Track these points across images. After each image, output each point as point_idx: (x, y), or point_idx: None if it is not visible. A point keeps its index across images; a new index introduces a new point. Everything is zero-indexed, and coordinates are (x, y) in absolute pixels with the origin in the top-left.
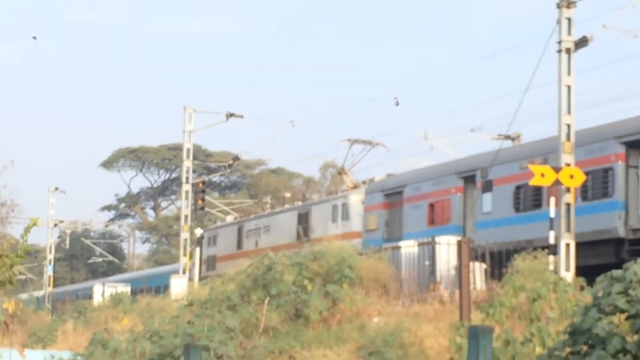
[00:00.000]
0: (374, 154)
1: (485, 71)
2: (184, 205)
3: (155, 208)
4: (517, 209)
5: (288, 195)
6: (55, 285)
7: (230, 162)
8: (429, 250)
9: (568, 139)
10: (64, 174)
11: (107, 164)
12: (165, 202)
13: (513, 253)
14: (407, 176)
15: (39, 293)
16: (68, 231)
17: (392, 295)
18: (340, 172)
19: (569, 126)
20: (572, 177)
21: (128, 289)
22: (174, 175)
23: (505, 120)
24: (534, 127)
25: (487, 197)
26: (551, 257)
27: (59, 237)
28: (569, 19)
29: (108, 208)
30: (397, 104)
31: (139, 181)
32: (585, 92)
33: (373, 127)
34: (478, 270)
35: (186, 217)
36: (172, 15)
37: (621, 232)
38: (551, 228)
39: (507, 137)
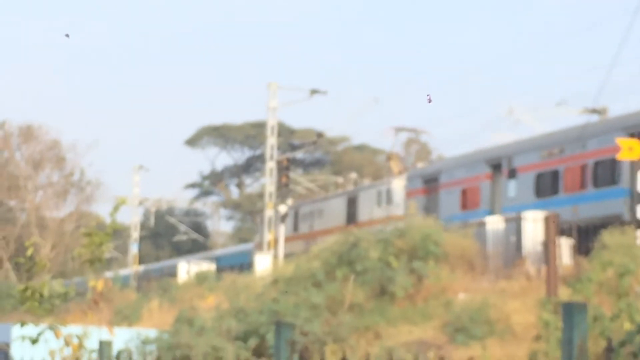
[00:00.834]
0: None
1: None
2: (268, 182)
3: (239, 185)
4: (538, 195)
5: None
6: (140, 263)
7: (314, 139)
8: (515, 226)
9: None
10: (149, 153)
11: (191, 142)
12: (249, 180)
13: (600, 228)
14: (442, 164)
15: (124, 271)
16: (153, 209)
17: (477, 272)
18: (389, 157)
19: None
20: None
21: (213, 266)
22: (257, 152)
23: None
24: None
25: (512, 184)
26: (639, 232)
27: (144, 215)
28: None
29: (192, 186)
30: (430, 100)
31: (222, 159)
32: None
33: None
34: (565, 245)
35: (270, 194)
36: None
37: None
38: (638, 202)
39: (594, 111)
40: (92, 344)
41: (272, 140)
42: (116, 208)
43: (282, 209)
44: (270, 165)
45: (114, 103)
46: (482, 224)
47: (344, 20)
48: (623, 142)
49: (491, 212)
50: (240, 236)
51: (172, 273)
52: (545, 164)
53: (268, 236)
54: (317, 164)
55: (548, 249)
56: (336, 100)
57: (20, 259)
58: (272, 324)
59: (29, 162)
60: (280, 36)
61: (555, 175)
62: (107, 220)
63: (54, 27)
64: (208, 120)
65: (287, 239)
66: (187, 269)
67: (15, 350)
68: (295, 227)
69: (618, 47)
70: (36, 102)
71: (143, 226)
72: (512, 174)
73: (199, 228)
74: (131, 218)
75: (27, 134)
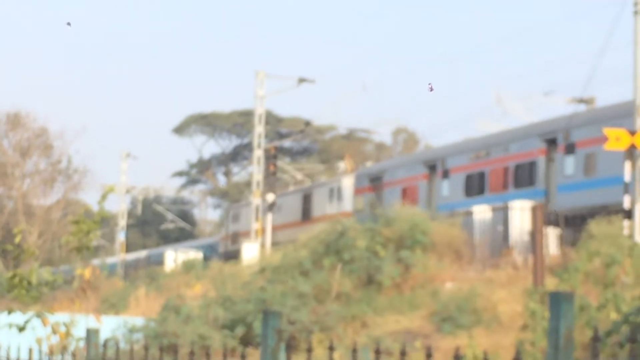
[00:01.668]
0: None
1: (560, 33)
2: (256, 170)
3: (226, 174)
4: (467, 194)
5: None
6: (127, 251)
7: (302, 127)
8: (502, 216)
9: None
10: (136, 140)
11: (179, 130)
12: (237, 168)
13: (587, 218)
14: (386, 164)
15: (111, 259)
16: (140, 197)
17: (465, 261)
18: (343, 157)
19: None
20: None
21: (200, 255)
22: (245, 140)
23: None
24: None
25: (445, 184)
26: (626, 222)
27: (131, 203)
28: None
29: (179, 174)
30: (432, 89)
31: (210, 147)
32: None
33: (445, 88)
34: (552, 235)
35: (258, 182)
36: None
37: None
38: (626, 192)
39: (582, 101)
40: (79, 332)
41: (259, 129)
42: (104, 196)
43: (270, 197)
44: (258, 153)
45: (101, 90)
46: (469, 214)
47: (331, 8)
48: (610, 132)
49: (427, 209)
50: None
51: (160, 261)
52: (473, 165)
53: (255, 225)
54: (305, 152)
55: (535, 239)
56: (324, 88)
57: (7, 247)
58: (259, 312)
59: (16, 149)
60: (268, 24)
61: (481, 176)
62: (95, 208)
63: (43, 14)
64: (196, 108)
65: (248, 233)
66: (174, 257)
67: (2, 338)
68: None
69: (606, 36)
70: (23, 89)
71: (130, 214)
72: (445, 174)
73: (186, 216)
74: (119, 206)
75: (15, 121)
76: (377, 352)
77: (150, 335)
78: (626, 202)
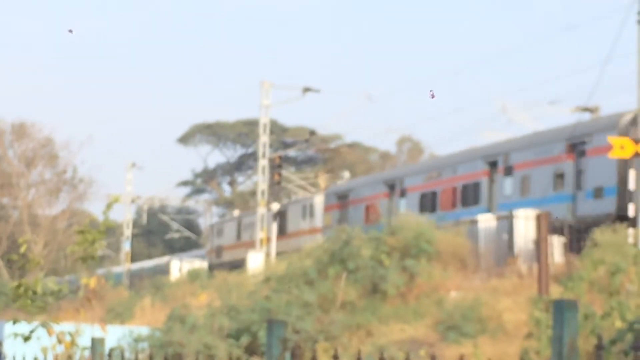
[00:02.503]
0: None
1: (565, 43)
2: (261, 180)
3: (231, 183)
4: (421, 211)
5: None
6: (132, 260)
7: (307, 136)
8: (507, 224)
9: None
10: (141, 151)
11: (184, 140)
12: (242, 177)
13: (592, 227)
14: (351, 183)
15: (116, 269)
16: (145, 207)
17: (469, 270)
18: (316, 175)
19: None
20: None
21: (205, 264)
22: (250, 150)
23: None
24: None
25: (403, 202)
26: (630, 230)
27: (136, 213)
28: None
29: (184, 184)
30: (433, 96)
31: (215, 156)
32: None
33: (450, 100)
34: (556, 244)
35: (263, 192)
36: None
37: None
38: (630, 200)
39: (586, 110)
40: (84, 341)
41: (264, 138)
42: (109, 206)
43: (275, 206)
44: (263, 163)
45: (106, 101)
46: (474, 222)
47: (337, 19)
48: (615, 140)
49: (386, 226)
50: None
51: (165, 271)
52: (427, 185)
53: (260, 234)
54: (310, 161)
55: (539, 247)
56: (329, 99)
57: (13, 256)
58: (264, 321)
59: (21, 159)
60: (274, 34)
61: (434, 195)
62: (100, 218)
63: (48, 23)
64: (201, 118)
65: (230, 247)
66: (179, 266)
67: (8, 347)
68: (239, 236)
69: (611, 45)
70: (29, 99)
71: (135, 224)
72: (403, 193)
73: (191, 226)
74: (124, 216)
75: (20, 131)
76: None
77: (155, 345)
78: (631, 211)
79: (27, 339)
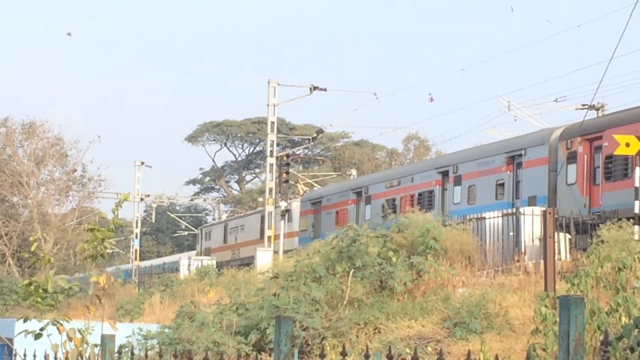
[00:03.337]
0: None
1: (571, 41)
2: (268, 178)
3: (239, 181)
4: (384, 217)
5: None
6: (141, 258)
7: (314, 135)
8: (514, 221)
9: None
10: (150, 149)
11: (192, 138)
12: (250, 176)
13: (598, 224)
14: (323, 190)
15: (125, 266)
16: (154, 205)
17: (476, 267)
18: (296, 181)
19: None
20: None
21: (214, 262)
22: (258, 148)
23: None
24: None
25: (368, 208)
26: (636, 227)
27: (145, 211)
28: None
29: (193, 182)
30: (432, 99)
31: (223, 155)
32: None
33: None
34: (563, 240)
35: (270, 190)
36: None
37: None
38: (636, 198)
39: (592, 107)
40: (94, 338)
41: (272, 137)
42: (119, 204)
43: (283, 204)
44: (271, 161)
45: (116, 100)
46: (481, 219)
47: (344, 17)
48: (620, 137)
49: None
50: None
51: (174, 268)
52: (388, 193)
53: (268, 232)
54: (317, 160)
55: (546, 244)
56: (336, 97)
57: (24, 254)
58: (272, 318)
59: (31, 158)
60: (281, 34)
61: (394, 201)
62: (110, 216)
63: (58, 23)
64: (209, 117)
65: (218, 249)
66: (188, 264)
67: (19, 345)
68: (225, 239)
69: (616, 44)
70: (39, 99)
71: (144, 222)
72: (368, 200)
73: (199, 224)
74: (133, 214)
75: (30, 130)
76: (389, 357)
77: (164, 342)
78: (637, 208)
79: (37, 336)
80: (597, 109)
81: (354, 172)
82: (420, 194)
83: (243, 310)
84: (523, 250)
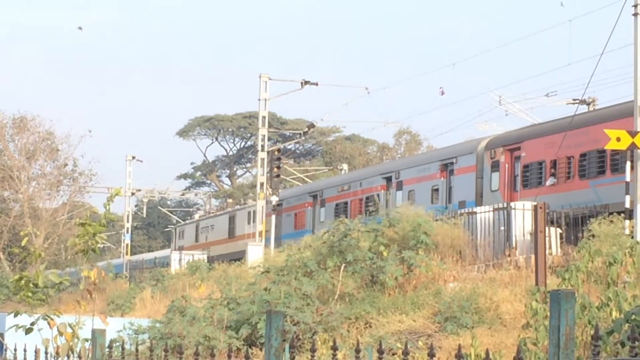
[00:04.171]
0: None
1: (562, 36)
2: (260, 172)
3: (230, 176)
4: (337, 219)
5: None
6: (132, 253)
7: (305, 129)
8: (505, 216)
9: None
10: (141, 143)
11: (183, 133)
12: (241, 170)
13: (589, 218)
14: (284, 193)
15: (116, 261)
16: (145, 200)
17: (467, 261)
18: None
19: None
20: None
21: (205, 256)
22: (249, 143)
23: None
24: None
25: (323, 211)
26: (627, 222)
27: (136, 205)
28: None
29: (184, 176)
30: (443, 93)
31: (214, 149)
32: None
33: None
34: (554, 235)
35: (262, 184)
36: None
37: None
38: (627, 192)
39: (583, 102)
40: (85, 333)
41: (263, 131)
42: (110, 199)
43: (274, 199)
44: (262, 155)
45: (106, 94)
46: (472, 214)
47: (335, 12)
48: (611, 132)
49: (312, 231)
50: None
51: (165, 263)
52: (340, 196)
53: (260, 227)
54: (309, 154)
55: (537, 238)
56: (328, 92)
57: (14, 249)
58: (263, 313)
59: (22, 153)
60: (273, 28)
61: (345, 204)
62: (101, 210)
63: (49, 17)
64: (200, 111)
65: (190, 248)
66: (179, 259)
67: (9, 339)
68: (197, 238)
69: (607, 39)
70: (30, 93)
71: (136, 216)
72: (323, 203)
73: (191, 218)
74: (124, 208)
75: (21, 125)
76: (380, 351)
77: (156, 337)
78: (627, 202)
79: (28, 331)
80: (588, 104)
81: (345, 166)
82: (367, 198)
83: (234, 304)
84: (514, 245)
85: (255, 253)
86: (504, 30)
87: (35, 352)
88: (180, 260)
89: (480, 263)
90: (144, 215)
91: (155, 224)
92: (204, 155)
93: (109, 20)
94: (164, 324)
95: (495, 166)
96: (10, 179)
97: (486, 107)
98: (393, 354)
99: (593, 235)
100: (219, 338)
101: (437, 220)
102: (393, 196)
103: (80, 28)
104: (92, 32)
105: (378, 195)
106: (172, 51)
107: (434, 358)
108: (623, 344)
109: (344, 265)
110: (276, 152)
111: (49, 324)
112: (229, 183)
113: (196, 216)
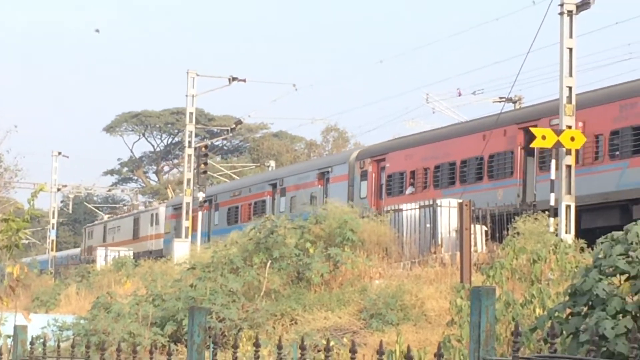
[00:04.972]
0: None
1: (489, 34)
2: (187, 169)
3: (157, 172)
4: (229, 223)
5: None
6: (58, 249)
7: (233, 126)
8: (430, 213)
9: (570, 101)
10: (67, 139)
11: (110, 129)
12: (168, 167)
13: (514, 216)
14: (173, 201)
15: (42, 257)
16: (71, 196)
17: (393, 258)
18: (166, 186)
19: (570, 88)
20: (573, 139)
21: (130, 253)
22: (176, 139)
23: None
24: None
25: (216, 214)
26: (551, 220)
27: (62, 201)
28: None
29: (111, 172)
30: (460, 94)
31: (141, 145)
32: (587, 55)
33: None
34: (479, 232)
35: (188, 181)
36: None
37: None
38: (552, 190)
39: (509, 100)
40: (7, 329)
41: (190, 127)
42: (34, 194)
43: (200, 196)
44: (189, 152)
45: (33, 89)
46: (398, 211)
47: (262, 8)
48: (537, 130)
49: (207, 234)
50: None
51: (90, 259)
52: (232, 201)
53: (186, 223)
54: (236, 150)
55: (462, 236)
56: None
57: None
58: (188, 309)
59: None
60: (201, 24)
61: (236, 209)
62: (26, 206)
63: None
64: (127, 107)
65: (98, 247)
66: (104, 255)
67: None
68: (104, 239)
69: (534, 37)
70: None
71: (61, 212)
72: (216, 207)
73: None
74: (49, 204)
75: None
76: (302, 347)
77: (80, 333)
78: (552, 200)
79: None
80: (515, 102)
81: (272, 163)
82: (255, 203)
83: (159, 301)
84: (440, 242)
85: (182, 250)
86: (434, 27)
87: None
88: (106, 256)
89: (406, 260)
90: (70, 212)
91: (82, 220)
92: (131, 151)
93: (33, 14)
94: (88, 321)
95: (364, 175)
96: None
97: (414, 105)
98: (318, 351)
99: (518, 233)
100: (143, 335)
101: (363, 217)
102: (278, 201)
103: (97, 30)
104: (15, 26)
105: (265, 201)
106: (99, 46)
107: (356, 354)
108: (546, 341)
109: (270, 261)
110: (203, 149)
111: None
112: (156, 179)
113: (105, 217)
